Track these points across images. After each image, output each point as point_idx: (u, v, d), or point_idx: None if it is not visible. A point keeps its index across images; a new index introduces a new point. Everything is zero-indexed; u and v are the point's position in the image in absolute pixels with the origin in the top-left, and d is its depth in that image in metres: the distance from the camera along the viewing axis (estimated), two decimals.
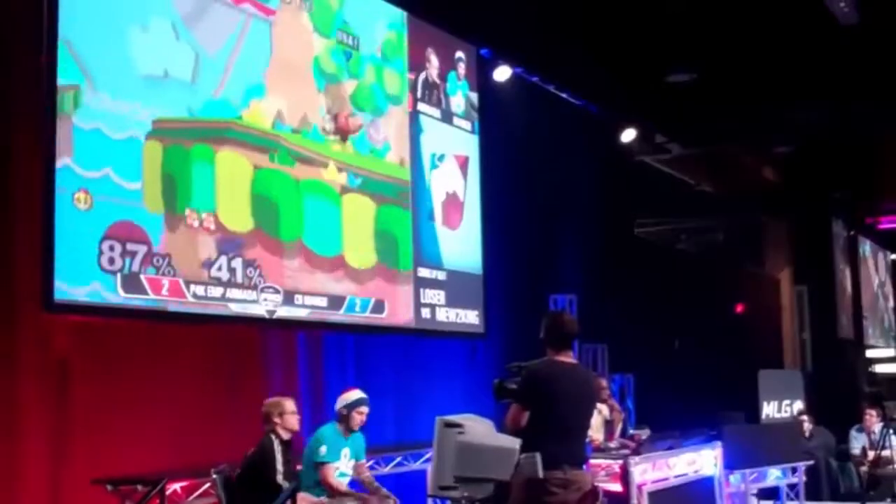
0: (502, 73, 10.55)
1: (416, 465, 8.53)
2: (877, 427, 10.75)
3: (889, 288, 21.32)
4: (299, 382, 8.33)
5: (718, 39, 11.27)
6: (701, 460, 7.68)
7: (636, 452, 6.96)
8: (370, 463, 7.99)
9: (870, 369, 17.51)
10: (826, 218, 17.61)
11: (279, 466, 5.88)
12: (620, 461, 6.81)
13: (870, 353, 18.24)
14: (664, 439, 7.34)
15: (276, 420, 6.11)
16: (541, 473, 4.92)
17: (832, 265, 17.46)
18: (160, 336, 6.87)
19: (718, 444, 7.92)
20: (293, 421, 6.21)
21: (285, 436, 6.14)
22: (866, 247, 19.72)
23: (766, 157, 16.42)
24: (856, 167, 16.29)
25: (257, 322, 7.63)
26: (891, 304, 21.33)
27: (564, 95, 11.59)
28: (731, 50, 11.59)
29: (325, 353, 8.65)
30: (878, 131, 15.04)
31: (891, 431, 10.39)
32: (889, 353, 18.79)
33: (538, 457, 4.94)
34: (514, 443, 5.24)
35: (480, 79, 10.30)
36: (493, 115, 10.45)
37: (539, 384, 5.18)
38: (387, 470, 8.23)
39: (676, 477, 7.33)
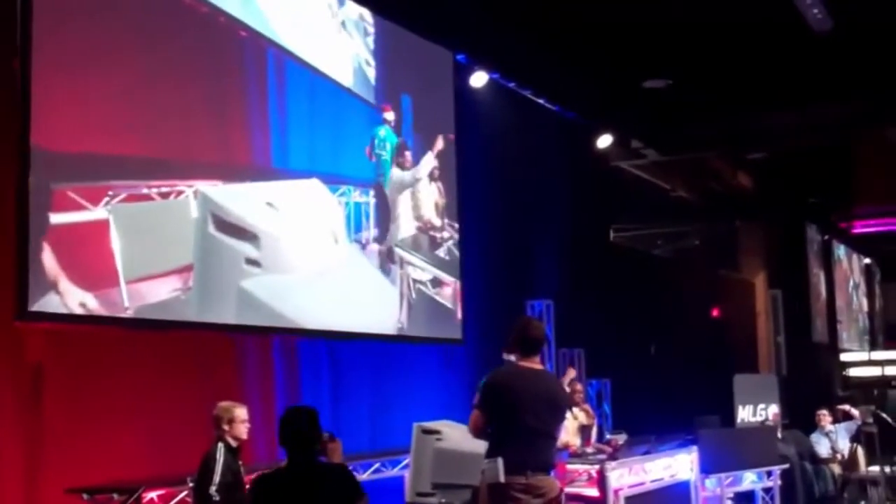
0: (479, 79, 10.57)
1: (394, 472, 8.52)
2: (830, 427, 10.94)
3: (863, 291, 21.50)
4: (275, 388, 8.32)
5: (694, 46, 11.32)
6: (677, 465, 7.71)
7: (613, 457, 6.98)
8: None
9: (844, 373, 17.63)
10: (800, 223, 17.75)
11: (216, 478, 5.56)
12: (597, 466, 6.82)
13: (843, 357, 18.37)
14: (641, 444, 7.37)
15: (225, 427, 5.83)
16: (502, 478, 4.93)
17: (806, 270, 17.60)
18: (135, 343, 6.84)
19: (694, 448, 7.95)
20: (242, 430, 5.90)
21: (234, 443, 5.86)
22: (841, 251, 19.89)
23: (741, 163, 16.52)
24: (830, 172, 16.42)
25: (231, 329, 7.62)
26: (864, 307, 21.51)
27: (541, 101, 11.62)
28: (706, 56, 11.64)
29: (300, 359, 8.64)
30: (852, 137, 15.17)
31: (837, 431, 10.61)
32: (862, 356, 18.93)
33: (500, 462, 4.96)
34: (484, 448, 5.25)
35: (457, 84, 10.32)
36: (469, 120, 10.47)
37: (497, 391, 5.19)
38: (364, 476, 8.20)
39: (653, 482, 7.36)
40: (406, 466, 8.59)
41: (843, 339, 18.87)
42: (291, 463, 4.40)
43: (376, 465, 8.33)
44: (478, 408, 5.21)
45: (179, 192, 7.17)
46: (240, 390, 7.74)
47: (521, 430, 5.05)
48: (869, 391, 15.66)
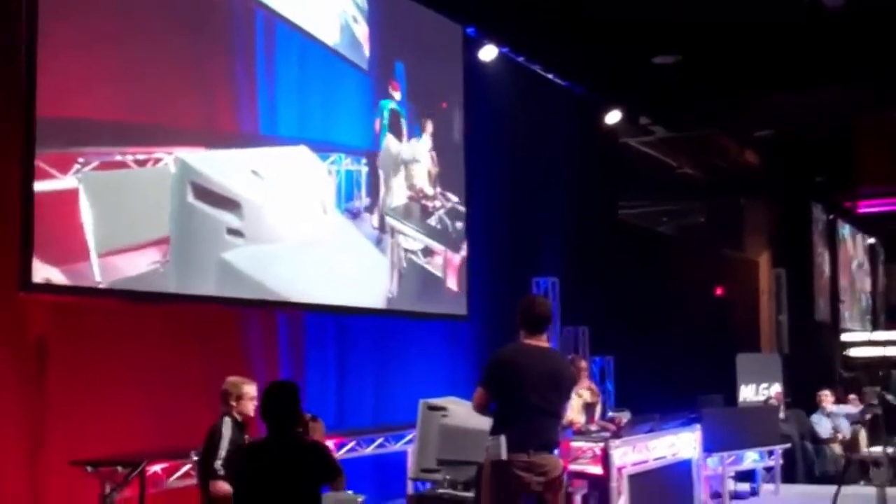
0: (488, 53, 10.50)
1: (397, 447, 8.52)
2: (831, 407, 10.97)
3: (866, 271, 21.47)
4: (279, 363, 8.30)
5: (703, 22, 11.24)
6: (680, 443, 7.71)
7: (617, 436, 6.97)
8: (352, 444, 8.00)
9: (845, 353, 17.64)
10: (806, 202, 17.70)
11: (221, 452, 5.47)
12: (601, 444, 6.81)
13: (845, 337, 18.37)
14: (645, 422, 7.35)
15: (233, 403, 5.73)
16: (504, 455, 4.91)
17: (811, 249, 17.57)
18: (138, 316, 6.82)
19: (698, 427, 7.94)
20: (249, 407, 5.77)
21: (240, 419, 5.74)
22: (846, 230, 19.84)
23: (748, 141, 16.47)
24: (836, 152, 16.36)
25: (237, 302, 7.60)
26: (867, 287, 21.49)
27: (550, 76, 11.54)
28: (715, 33, 11.55)
29: (306, 334, 8.60)
30: (858, 117, 15.10)
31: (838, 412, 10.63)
32: (864, 336, 18.92)
33: (503, 439, 4.93)
34: (489, 425, 5.23)
35: (466, 58, 10.25)
36: (478, 94, 10.39)
37: (502, 368, 5.16)
38: (367, 451, 8.21)
39: (656, 460, 7.35)
40: (409, 442, 8.61)
41: (844, 319, 18.87)
42: (270, 436, 4.41)
43: (380, 440, 8.32)
44: (482, 385, 5.19)
45: (158, 160, 6.85)
46: (244, 364, 7.70)
47: (524, 408, 5.03)
48: (874, 372, 15.64)
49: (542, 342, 5.20)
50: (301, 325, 8.56)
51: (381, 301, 9.14)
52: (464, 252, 10.14)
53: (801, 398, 12.40)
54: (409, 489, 8.69)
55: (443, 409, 6.16)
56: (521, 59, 11.11)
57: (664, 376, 12.29)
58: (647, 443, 7.32)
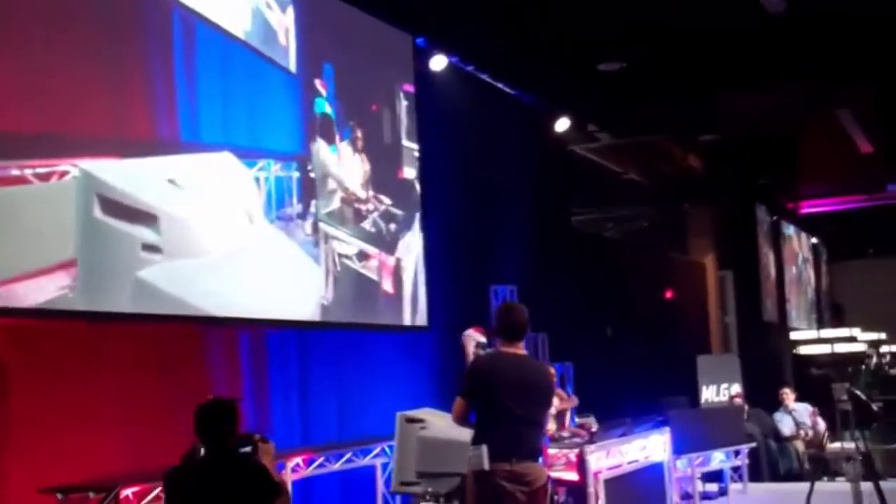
0: (438, 63, 10.48)
1: (366, 461, 8.42)
2: (793, 405, 11.11)
3: (811, 270, 21.83)
4: (242, 380, 8.15)
5: (648, 28, 11.35)
6: (651, 446, 7.72)
7: (591, 440, 6.94)
8: (320, 460, 7.88)
9: (794, 351, 17.92)
10: (751, 204, 17.94)
11: None
12: (576, 450, 6.78)
13: (793, 335, 18.66)
14: (617, 427, 7.35)
15: None
16: (486, 465, 4.85)
17: (756, 250, 17.80)
18: (101, 336, 6.63)
19: (667, 429, 7.96)
20: None
21: None
22: (790, 230, 20.16)
23: (692, 146, 16.66)
24: (778, 154, 16.64)
25: (199, 320, 7.43)
26: (812, 286, 21.85)
27: (500, 85, 11.55)
28: (660, 39, 11.68)
29: (269, 350, 8.47)
30: (801, 119, 15.35)
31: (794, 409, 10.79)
32: (812, 334, 19.24)
33: (484, 449, 4.89)
34: (469, 435, 5.18)
35: (417, 68, 10.21)
36: (429, 105, 10.36)
37: (480, 377, 5.12)
38: (336, 467, 8.09)
39: (630, 463, 7.35)
40: (377, 455, 8.52)
41: (792, 318, 19.15)
42: (207, 456, 4.31)
43: (348, 455, 8.22)
44: (461, 395, 5.13)
45: (64, 173, 6.22)
46: (207, 384, 7.56)
47: (504, 417, 4.98)
48: (843, 369, 15.90)
49: (520, 350, 5.16)
50: (263, 342, 8.42)
51: (316, 308, 8.81)
52: (398, 254, 9.96)
53: (755, 397, 12.52)
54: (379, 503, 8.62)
55: (421, 420, 6.09)
56: (470, 68, 11.10)
57: (623, 380, 12.33)
58: (620, 447, 7.32)
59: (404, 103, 10.13)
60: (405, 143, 10.18)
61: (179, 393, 7.14)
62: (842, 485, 7.92)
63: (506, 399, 4.95)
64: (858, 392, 6.58)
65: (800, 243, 20.82)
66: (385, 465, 8.71)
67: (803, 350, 17.73)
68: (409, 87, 10.21)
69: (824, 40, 11.72)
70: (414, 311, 10.04)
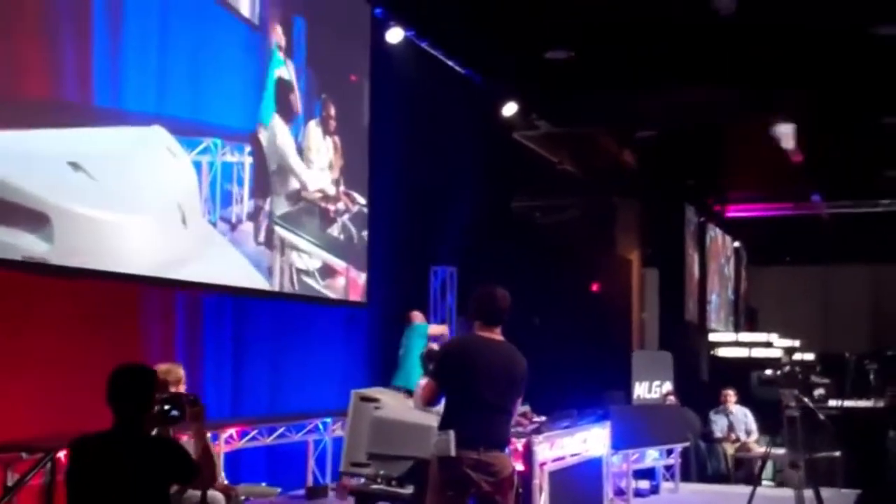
0: (395, 35, 10.22)
1: (298, 437, 8.19)
2: (733, 407, 11.19)
3: (732, 271, 22.17)
4: (175, 345, 7.84)
5: (598, 19, 11.27)
6: (592, 440, 7.63)
7: (538, 431, 6.81)
8: (254, 433, 7.61)
9: (712, 353, 18.15)
10: (680, 203, 18.06)
11: None
12: (524, 440, 6.65)
13: (712, 337, 18.90)
14: (563, 418, 7.24)
15: (173, 389, 5.37)
16: (453, 452, 4.67)
17: (683, 249, 17.94)
18: (31, 291, 6.25)
19: (608, 423, 7.89)
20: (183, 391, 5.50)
21: None
22: (716, 232, 20.41)
23: (627, 142, 16.69)
24: (709, 156, 16.76)
25: (134, 279, 7.07)
26: (730, 288, 22.18)
27: (451, 63, 11.34)
28: (608, 31, 11.61)
29: (204, 315, 8.16)
30: (729, 122, 15.48)
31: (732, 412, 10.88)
32: (729, 337, 19.52)
33: (451, 434, 4.70)
34: (432, 420, 5.00)
35: (374, 38, 9.93)
36: (383, 77, 10.10)
37: (453, 360, 4.95)
38: (269, 441, 7.84)
39: (572, 456, 7.25)
40: (310, 432, 8.29)
41: (710, 320, 19.39)
42: (116, 428, 3.87)
43: (281, 430, 7.97)
44: (432, 376, 4.94)
45: None
46: (140, 345, 7.25)
47: (476, 403, 4.81)
48: (792, 375, 16.08)
49: (497, 335, 4.99)
50: (199, 307, 8.10)
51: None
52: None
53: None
54: (309, 482, 8.39)
55: (376, 400, 5.88)
56: (425, 44, 10.86)
57: (551, 371, 12.25)
58: (563, 439, 7.21)
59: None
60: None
61: (110, 355, 6.80)
62: (781, 491, 8.01)
63: (479, 384, 4.78)
64: (807, 399, 6.56)
65: (723, 246, 21.09)
66: (318, 442, 8.50)
67: (721, 352, 17.96)
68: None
69: (768, 46, 11.80)
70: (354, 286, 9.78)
